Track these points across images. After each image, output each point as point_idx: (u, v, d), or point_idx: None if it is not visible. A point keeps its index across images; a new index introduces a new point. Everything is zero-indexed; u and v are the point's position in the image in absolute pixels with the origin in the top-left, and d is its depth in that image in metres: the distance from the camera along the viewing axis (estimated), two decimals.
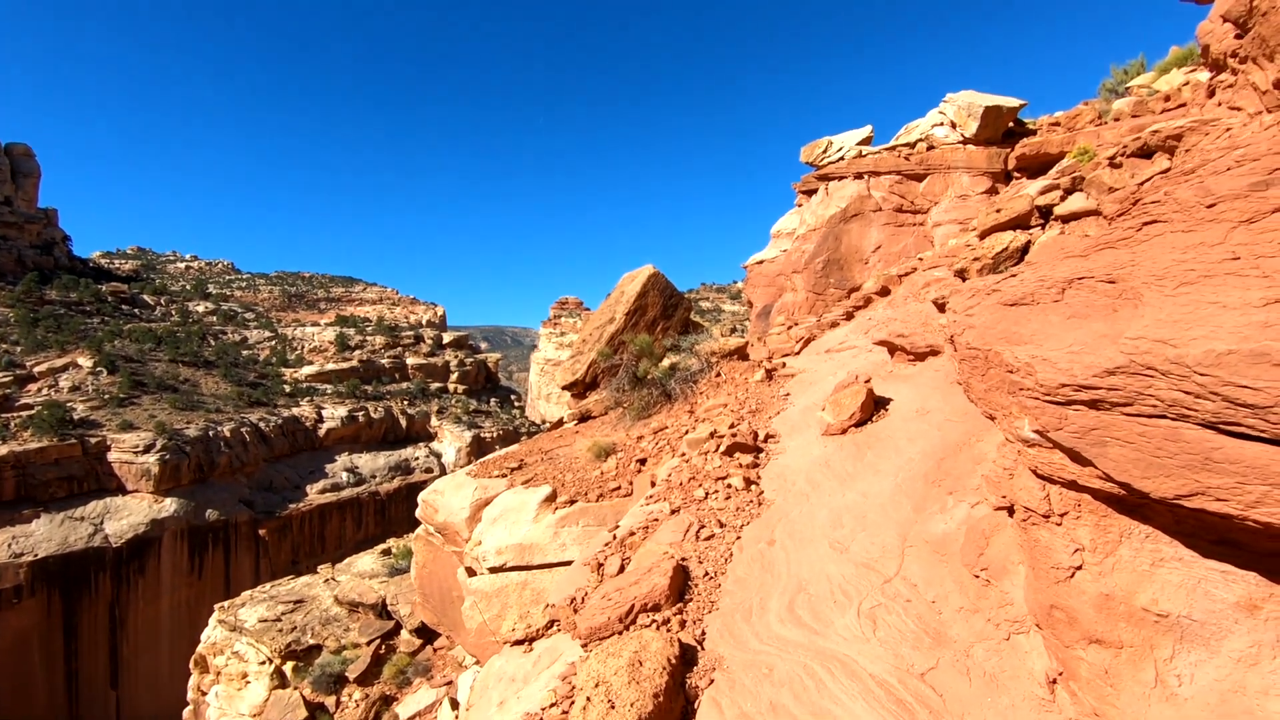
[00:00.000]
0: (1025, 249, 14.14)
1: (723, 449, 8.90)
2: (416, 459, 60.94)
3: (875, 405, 9.18)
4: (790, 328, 18.08)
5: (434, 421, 61.90)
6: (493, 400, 68.14)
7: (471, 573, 10.24)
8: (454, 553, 11.23)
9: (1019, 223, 14.70)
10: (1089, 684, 3.27)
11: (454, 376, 66.28)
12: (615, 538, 7.53)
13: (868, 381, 9.37)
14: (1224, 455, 2.52)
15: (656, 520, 7.55)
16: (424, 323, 73.41)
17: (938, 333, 11.36)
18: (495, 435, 60.40)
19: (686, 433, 10.91)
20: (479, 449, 58.26)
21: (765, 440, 9.41)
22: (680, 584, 5.72)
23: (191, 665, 21.20)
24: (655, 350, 13.35)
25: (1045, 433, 3.24)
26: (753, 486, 7.84)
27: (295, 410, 58.79)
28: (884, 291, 17.33)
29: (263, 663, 19.90)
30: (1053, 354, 3.20)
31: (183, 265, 78.32)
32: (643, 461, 10.87)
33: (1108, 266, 3.47)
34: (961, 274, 14.88)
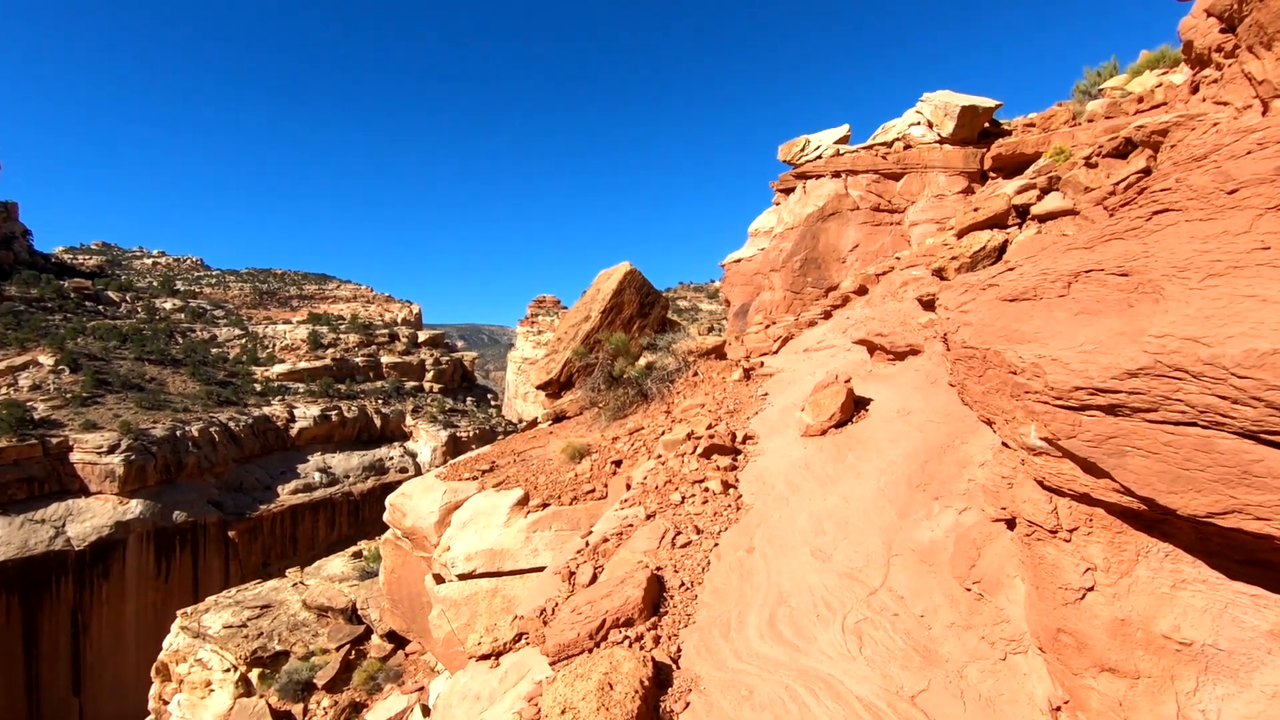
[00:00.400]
0: (1003, 248, 14.00)
1: (700, 451, 8.56)
2: (391, 459, 59.94)
3: (855, 406, 8.91)
4: (768, 326, 17.82)
5: (409, 421, 60.93)
6: (469, 399, 67.24)
7: (440, 580, 9.79)
8: (422, 558, 10.77)
9: (996, 222, 14.57)
10: (1100, 716, 2.97)
11: (429, 375, 65.28)
12: (588, 544, 7.15)
13: (847, 382, 9.09)
14: (1265, 468, 2.22)
15: (631, 526, 7.18)
16: (399, 321, 72.24)
17: (917, 332, 11.14)
18: (471, 434, 59.63)
19: (663, 433, 10.56)
20: (455, 448, 57.47)
21: (743, 442, 9.09)
22: (655, 596, 5.36)
23: (153, 673, 20.40)
24: (631, 349, 12.99)
25: (1055, 441, 2.93)
26: (731, 490, 7.51)
27: (266, 409, 57.50)
28: (862, 291, 17.14)
29: (227, 670, 19.20)
30: (1063, 353, 2.89)
31: (149, 261, 76.22)
32: (618, 463, 10.50)
33: (1118, 258, 3.16)
34: (939, 273, 14.71)
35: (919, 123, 19.90)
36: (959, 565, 4.38)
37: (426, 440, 59.83)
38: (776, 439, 9.02)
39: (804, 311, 18.19)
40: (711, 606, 5.18)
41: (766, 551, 5.81)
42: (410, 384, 65.02)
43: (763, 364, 12.89)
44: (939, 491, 5.61)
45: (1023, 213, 14.85)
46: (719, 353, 13.18)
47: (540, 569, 9.12)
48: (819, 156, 20.68)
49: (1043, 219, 13.89)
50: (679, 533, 6.53)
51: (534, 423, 14.67)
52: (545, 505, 9.93)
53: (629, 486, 9.14)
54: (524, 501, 10.07)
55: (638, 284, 14.80)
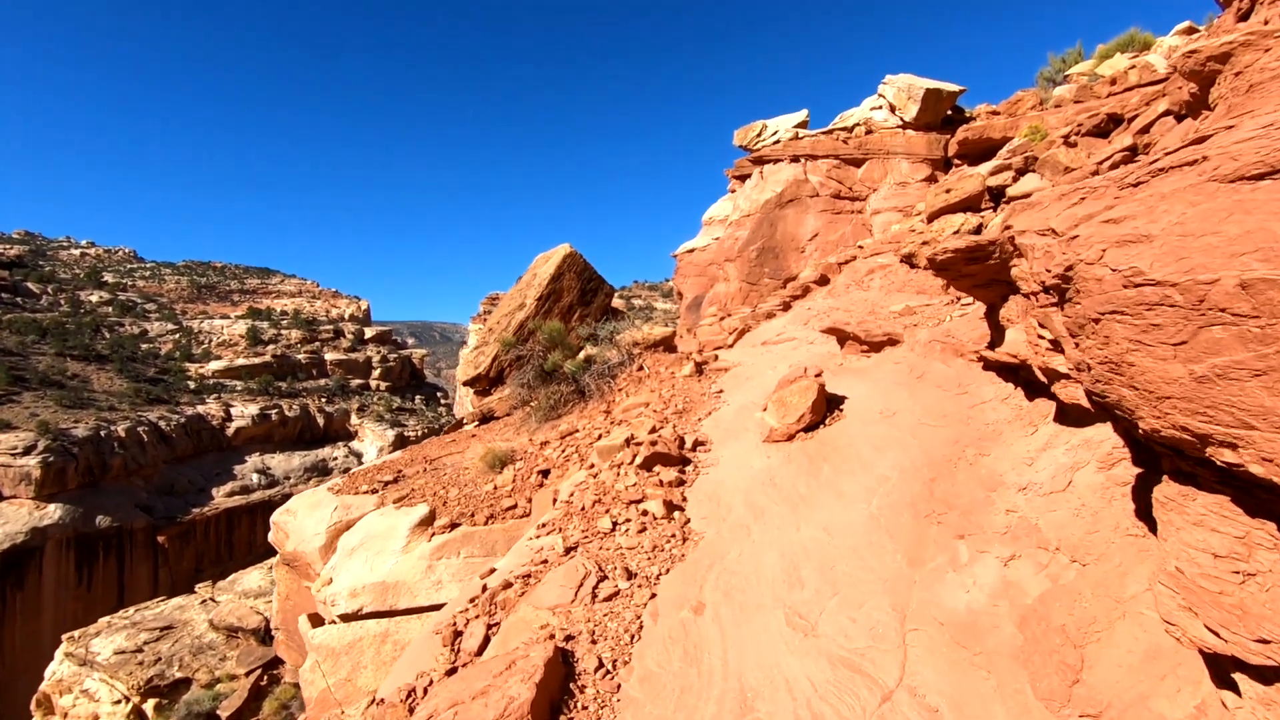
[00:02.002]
0: (978, 232, 12.60)
1: (639, 461, 6.76)
2: (335, 459, 56.74)
3: (828, 405, 7.24)
4: (723, 319, 16.16)
5: (354, 420, 57.77)
6: (418, 398, 64.22)
7: (317, 621, 7.78)
8: (309, 590, 8.73)
9: (970, 204, 13.12)
10: None
11: (376, 373, 62.00)
12: (485, 589, 5.27)
13: (818, 376, 7.40)
14: None
15: (544, 563, 5.33)
16: (346, 317, 68.60)
17: (893, 320, 9.56)
18: (420, 434, 56.81)
19: (600, 437, 8.74)
20: (402, 448, 54.62)
21: (693, 448, 7.33)
22: (556, 689, 3.53)
23: (33, 706, 17.71)
24: (568, 340, 11.13)
25: None
26: (676, 514, 5.73)
27: (201, 408, 53.72)
28: (823, 281, 15.61)
29: (118, 702, 16.66)
30: None
31: (77, 252, 70.73)
32: (545, 473, 8.63)
33: None
34: (909, 259, 13.20)
35: (881, 106, 18.50)
36: (1039, 664, 2.67)
37: (372, 440, 56.80)
38: (733, 445, 7.28)
39: (761, 303, 16.58)
40: (640, 709, 3.37)
41: (722, 612, 4.03)
42: (356, 382, 61.71)
43: (717, 358, 11.18)
44: (963, 526, 3.91)
45: (996, 196, 13.49)
46: (668, 345, 11.43)
47: (443, 606, 7.21)
48: (777, 141, 19.12)
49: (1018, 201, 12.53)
50: (604, 577, 4.71)
51: (459, 424, 12.69)
52: (454, 525, 8.00)
53: (555, 501, 7.29)
54: (429, 521, 8.13)
55: (579, 268, 12.95)
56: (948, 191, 13.31)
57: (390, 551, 7.84)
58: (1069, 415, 4.07)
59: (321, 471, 55.93)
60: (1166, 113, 11.38)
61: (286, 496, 55.58)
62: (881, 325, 8.93)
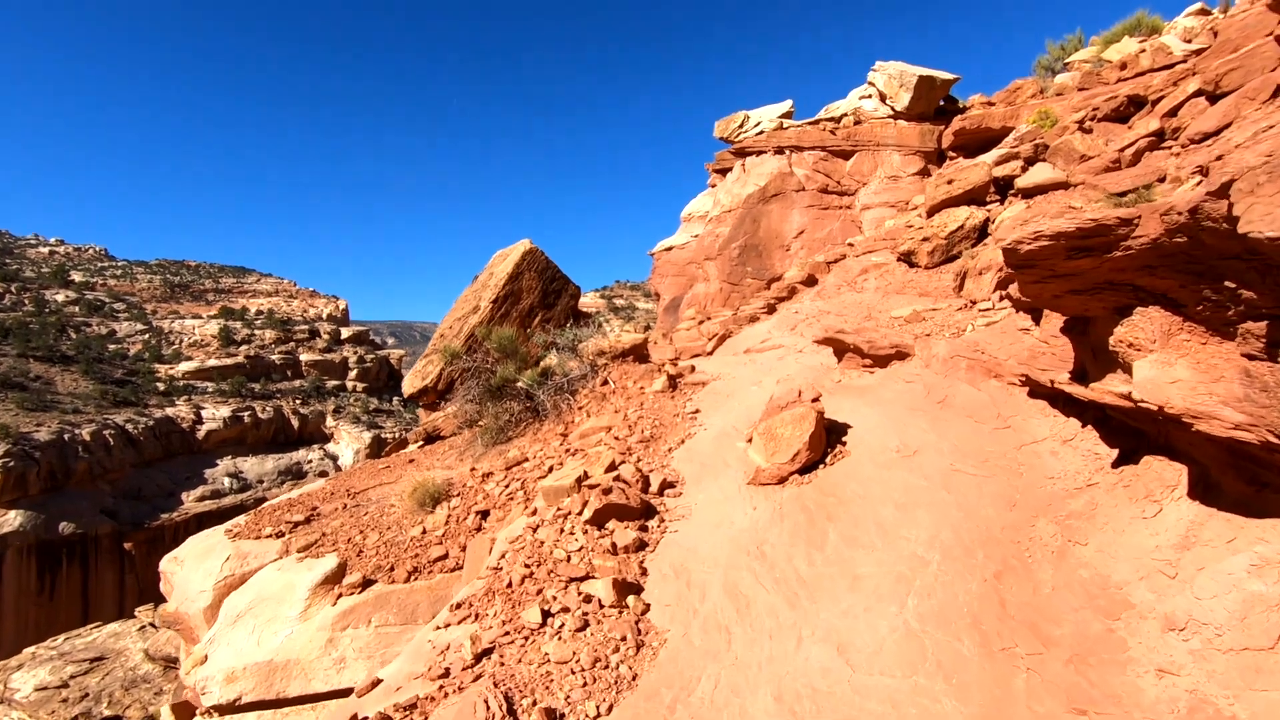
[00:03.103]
0: (983, 227, 11.09)
1: (590, 513, 5.14)
2: (310, 462, 54.52)
3: (828, 436, 5.68)
4: (701, 323, 14.59)
5: (330, 421, 55.56)
6: (395, 399, 62.02)
7: (188, 711, 6.08)
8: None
9: (973, 197, 11.57)
10: None
11: (353, 374, 59.64)
12: None
13: (815, 401, 5.82)
14: None
15: (444, 677, 3.70)
16: (324, 316, 66.12)
17: (898, 329, 8.01)
18: (397, 435, 54.79)
19: (550, 470, 7.13)
20: (379, 451, 52.54)
21: (660, 491, 5.73)
22: None
23: None
24: (523, 349, 9.49)
25: None
26: (630, 600, 4.13)
27: (170, 410, 51.29)
28: (810, 281, 14.08)
29: None
30: None
31: (45, 250, 67.59)
32: (485, 514, 6.99)
33: None
34: (908, 256, 11.64)
35: (870, 95, 16.99)
36: None
37: (349, 442, 54.66)
38: (710, 487, 5.69)
39: (744, 305, 15.02)
40: None
41: None
42: (332, 383, 59.36)
43: (694, 368, 9.60)
44: (1079, 689, 2.34)
45: (1002, 188, 12.01)
46: (638, 354, 9.81)
47: (346, 692, 5.57)
48: (760, 132, 17.55)
49: (1029, 193, 10.98)
50: None
51: (401, 443, 11.01)
52: (368, 583, 6.34)
53: (491, 552, 5.67)
54: (337, 577, 6.46)
55: (540, 266, 11.30)
56: (950, 183, 11.82)
57: (284, 619, 6.17)
58: (1224, 494, 2.52)
59: (296, 475, 53.73)
60: (1198, 93, 9.97)
61: (260, 500, 53.58)
62: (886, 335, 7.38)
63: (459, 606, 4.62)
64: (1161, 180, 8.84)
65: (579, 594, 4.20)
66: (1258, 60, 9.03)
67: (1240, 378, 2.14)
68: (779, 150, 16.89)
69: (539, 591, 4.37)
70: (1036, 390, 4.77)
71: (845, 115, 16.94)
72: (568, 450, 7.46)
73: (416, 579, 6.44)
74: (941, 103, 16.75)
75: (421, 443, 10.25)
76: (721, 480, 5.75)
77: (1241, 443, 2.14)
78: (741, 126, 18.25)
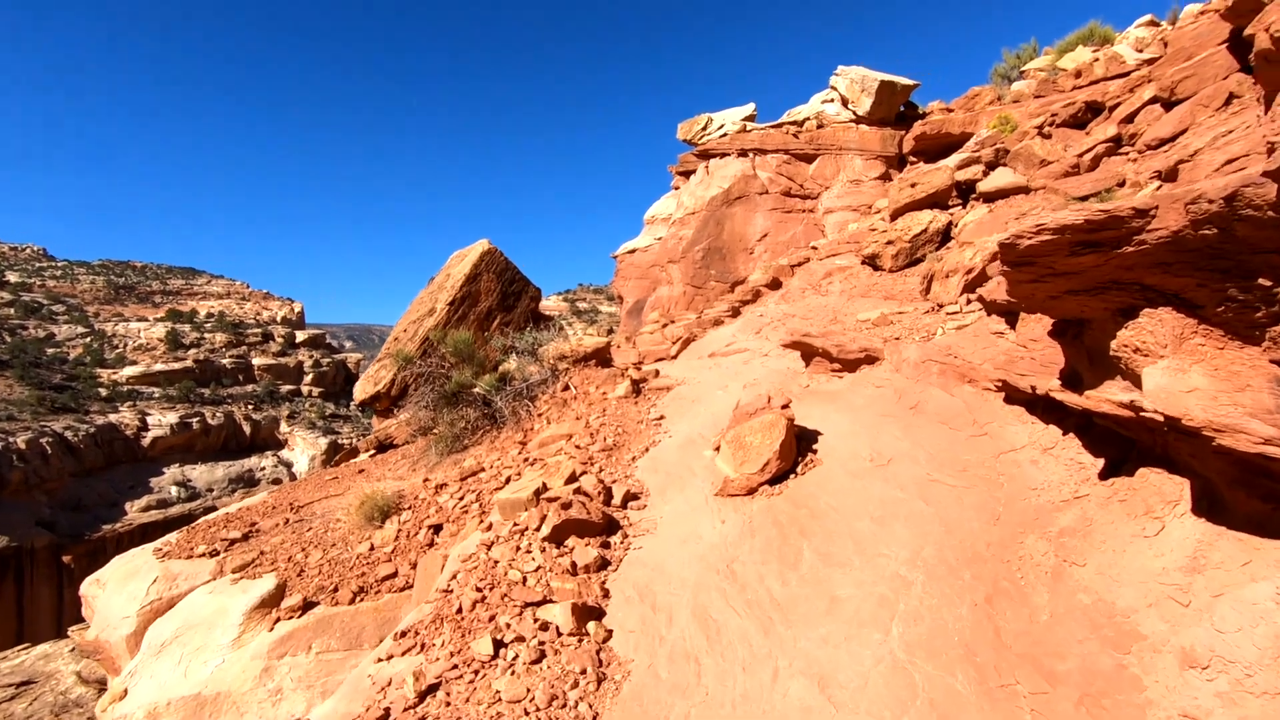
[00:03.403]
0: (946, 231, 11.06)
1: (548, 529, 4.78)
2: (263, 469, 52.70)
3: (799, 444, 5.42)
4: (665, 326, 14.30)
5: (284, 427, 53.77)
6: (352, 404, 60.51)
7: None
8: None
9: (936, 200, 11.53)
10: None
11: (308, 378, 57.83)
12: None
13: (785, 408, 5.56)
14: None
15: (384, 718, 3.31)
16: (278, 319, 64.01)
17: (865, 333, 7.83)
18: (355, 442, 53.31)
19: (508, 480, 6.74)
20: (335, 456, 51.01)
21: (624, 504, 5.40)
22: None
23: None
24: (480, 354, 9.06)
25: None
26: (590, 626, 3.78)
27: (113, 417, 49.01)
28: (775, 284, 13.92)
29: None
30: None
31: None
32: (438, 529, 6.56)
33: None
34: (872, 260, 11.55)
35: (832, 99, 16.96)
36: None
37: (304, 448, 52.97)
38: (676, 498, 5.38)
39: (708, 308, 14.80)
40: None
41: None
42: (287, 388, 57.47)
43: (658, 373, 9.30)
44: None
45: (964, 192, 12.01)
46: (601, 358, 9.46)
47: None
48: (724, 134, 17.38)
49: (990, 197, 10.99)
50: None
51: (352, 452, 10.46)
52: (309, 605, 5.87)
53: (444, 569, 5.25)
54: (275, 599, 5.96)
55: (499, 268, 10.87)
56: (913, 186, 11.76)
57: (215, 647, 5.64)
58: (1234, 512, 2.29)
59: (249, 482, 51.87)
60: (1154, 99, 10.08)
61: (210, 509, 51.64)
62: (855, 338, 7.18)
63: (404, 635, 4.21)
64: (1121, 185, 8.87)
65: (535, 621, 3.84)
66: (1210, 68, 9.16)
67: (1271, 387, 1.92)
68: (742, 153, 16.75)
69: (491, 618, 3.99)
70: (1013, 396, 4.58)
71: (808, 119, 16.88)
72: (526, 460, 7.07)
73: (362, 600, 5.99)
74: (902, 108, 16.82)
75: (373, 451, 9.72)
76: (688, 491, 5.44)
77: (1269, 458, 1.92)
78: (705, 129, 18.06)
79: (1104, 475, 3.32)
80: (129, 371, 51.83)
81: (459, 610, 4.20)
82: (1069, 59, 14.83)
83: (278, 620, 5.76)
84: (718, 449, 5.81)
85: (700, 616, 3.64)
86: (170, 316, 57.47)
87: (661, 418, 7.46)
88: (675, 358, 12.13)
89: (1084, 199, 9.06)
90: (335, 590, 6.06)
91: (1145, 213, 2.18)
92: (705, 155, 17.57)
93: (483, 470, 7.32)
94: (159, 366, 52.45)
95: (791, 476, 5.14)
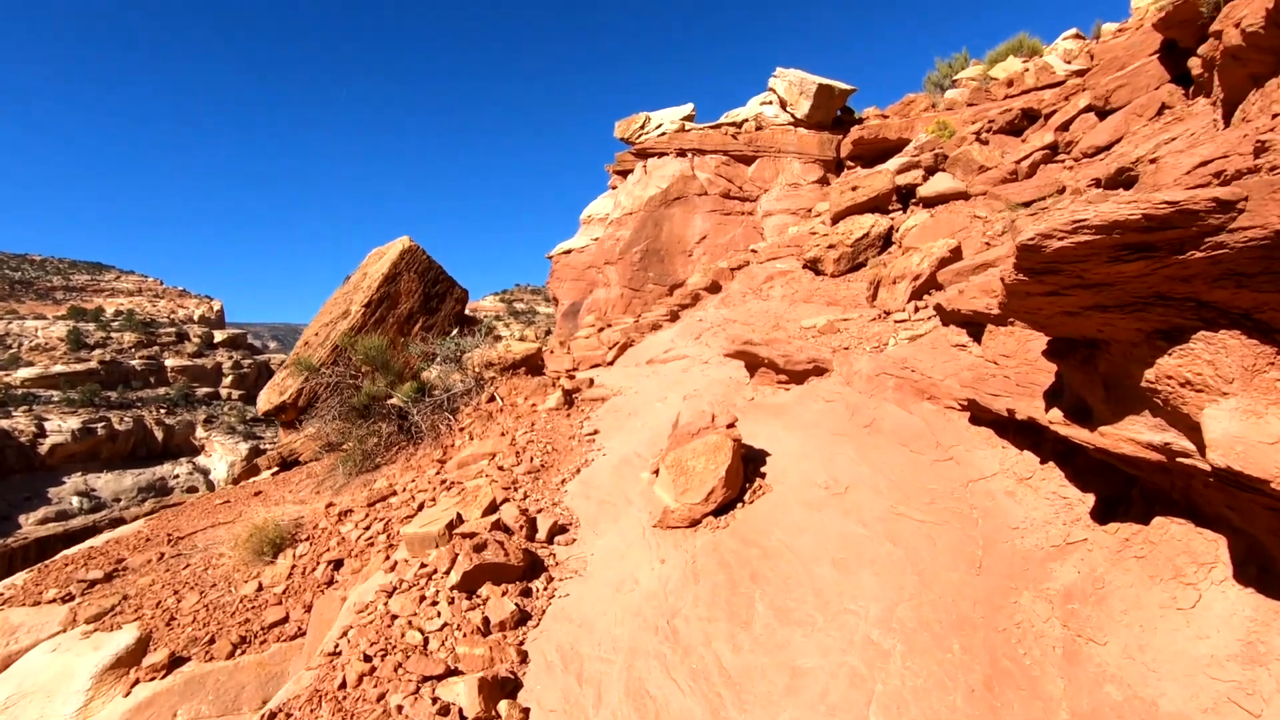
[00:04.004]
0: (888, 235, 10.79)
1: (458, 576, 4.03)
2: (177, 477, 49.23)
3: (745, 466, 4.84)
4: (602, 330, 13.62)
5: (200, 433, 50.43)
6: (258, 413, 57.33)
7: None
8: None
9: (877, 204, 11.21)
10: None
11: (228, 380, 54.39)
12: None
13: (730, 427, 4.97)
14: None
15: None
16: (195, 318, 60.04)
17: (812, 341, 7.35)
18: (277, 447, 50.41)
19: (421, 507, 5.92)
20: (255, 460, 48.07)
21: (550, 538, 4.69)
22: None
23: None
24: (397, 360, 8.16)
25: None
26: (503, 710, 3.06)
27: (6, 422, 44.90)
28: (714, 288, 13.44)
29: None
30: None
31: None
32: (338, 564, 5.69)
33: None
34: (814, 264, 11.15)
35: (771, 101, 16.65)
36: None
37: (222, 455, 49.76)
38: (609, 532, 4.71)
39: (646, 312, 14.19)
40: None
41: None
42: (204, 390, 53.95)
43: (593, 381, 8.61)
44: None
45: (904, 196, 11.80)
46: (531, 366, 8.70)
47: None
48: (662, 134, 16.82)
49: (930, 202, 10.77)
50: None
51: (252, 470, 9.36)
52: (177, 662, 4.91)
53: (335, 624, 4.42)
54: (135, 656, 4.98)
55: (421, 267, 9.95)
56: (854, 189, 11.46)
57: (60, 716, 4.64)
58: None
59: (161, 491, 48.34)
60: (1089, 108, 10.04)
61: (117, 521, 47.84)
62: (802, 347, 6.66)
63: (272, 718, 3.38)
64: (1061, 191, 8.73)
65: (433, 703, 3.09)
66: (1143, 78, 9.12)
67: None
68: (681, 153, 16.24)
69: (381, 698, 3.22)
70: (980, 417, 4.10)
71: (747, 120, 16.51)
72: (443, 482, 6.26)
73: (244, 653, 5.07)
74: (839, 113, 16.65)
75: (275, 469, 8.67)
76: (623, 523, 4.78)
77: None
78: (643, 128, 17.47)
79: (1100, 517, 2.84)
80: (24, 373, 47.59)
81: (342, 685, 3.41)
82: (1000, 68, 14.95)
83: (136, 682, 4.78)
84: (656, 472, 5.17)
85: (635, 693, 2.97)
86: (73, 314, 53.05)
87: (595, 433, 6.78)
88: (612, 364, 11.48)
89: (1027, 204, 8.89)
90: (211, 642, 5.11)
91: (1230, 205, 1.66)
92: (643, 154, 16.98)
93: (394, 494, 6.47)
94: (59, 368, 48.32)
95: (739, 505, 4.54)
